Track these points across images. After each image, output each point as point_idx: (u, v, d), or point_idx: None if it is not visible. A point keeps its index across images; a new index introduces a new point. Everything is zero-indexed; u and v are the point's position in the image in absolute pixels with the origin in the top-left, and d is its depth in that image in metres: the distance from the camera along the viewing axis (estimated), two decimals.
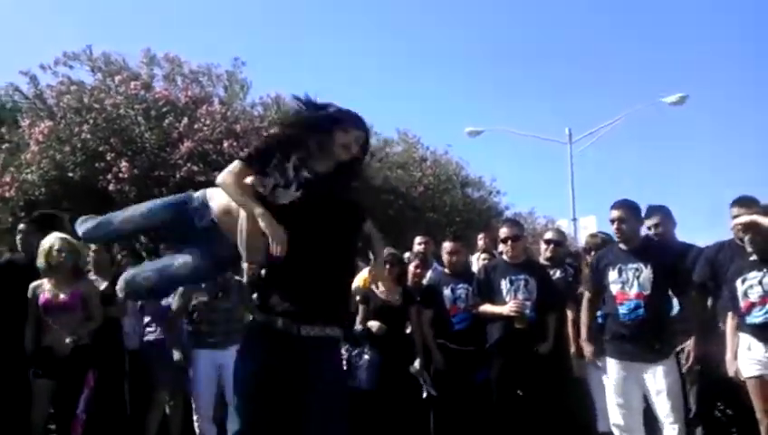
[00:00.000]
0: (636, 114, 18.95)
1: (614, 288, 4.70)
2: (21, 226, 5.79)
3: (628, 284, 4.64)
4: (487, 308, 5.43)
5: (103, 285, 5.63)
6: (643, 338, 4.54)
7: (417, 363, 5.70)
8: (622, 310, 4.64)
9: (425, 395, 5.73)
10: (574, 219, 18.42)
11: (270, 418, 2.81)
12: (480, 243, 7.33)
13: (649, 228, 5.28)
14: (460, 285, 5.77)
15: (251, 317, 2.91)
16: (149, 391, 5.72)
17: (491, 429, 5.53)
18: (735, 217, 4.61)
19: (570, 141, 18.81)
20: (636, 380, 4.60)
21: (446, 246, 6.06)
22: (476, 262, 6.57)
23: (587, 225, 17.48)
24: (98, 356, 5.22)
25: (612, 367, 4.69)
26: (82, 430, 4.89)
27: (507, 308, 5.23)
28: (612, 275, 4.72)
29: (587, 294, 4.97)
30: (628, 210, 4.76)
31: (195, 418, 5.60)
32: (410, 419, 5.78)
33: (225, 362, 5.19)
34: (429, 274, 6.45)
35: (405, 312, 5.85)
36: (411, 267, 6.31)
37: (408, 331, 5.87)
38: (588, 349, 4.89)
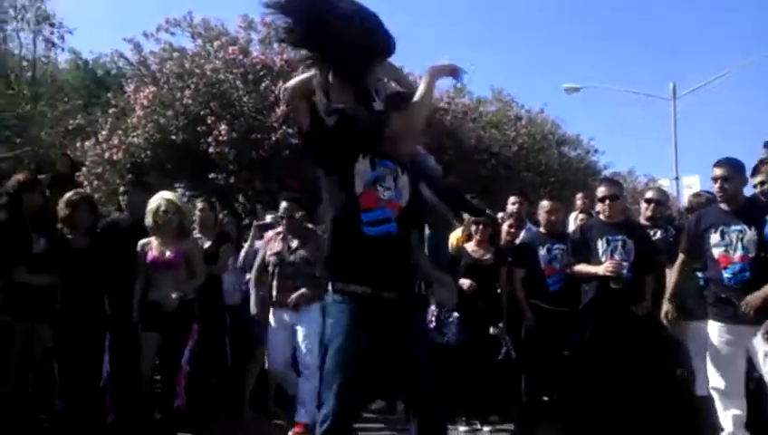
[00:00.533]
0: (745, 68, 17.85)
1: (716, 252, 4.49)
2: (122, 188, 6.10)
3: (732, 247, 4.43)
4: (582, 268, 5.30)
5: (207, 244, 5.86)
6: None
7: (500, 324, 5.67)
8: (726, 274, 4.43)
9: (501, 357, 5.69)
10: (677, 178, 17.67)
11: (363, 383, 2.83)
12: (578, 203, 7.15)
13: (755, 186, 4.99)
14: (556, 246, 5.66)
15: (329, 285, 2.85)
16: (249, 346, 5.95)
17: (583, 392, 5.47)
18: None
19: (673, 97, 17.96)
20: (741, 343, 4.41)
21: (544, 204, 5.95)
22: (573, 222, 6.43)
23: (690, 184, 16.73)
24: (201, 311, 5.46)
25: (715, 331, 4.51)
26: (186, 382, 5.15)
27: (603, 268, 5.09)
28: (714, 238, 4.51)
29: (681, 256, 4.75)
30: (732, 168, 4.50)
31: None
32: (499, 378, 5.80)
33: (299, 322, 5.32)
34: (523, 233, 6.36)
35: (496, 271, 5.82)
36: (505, 227, 6.26)
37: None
38: (666, 307, 4.73)
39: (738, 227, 4.43)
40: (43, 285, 4.82)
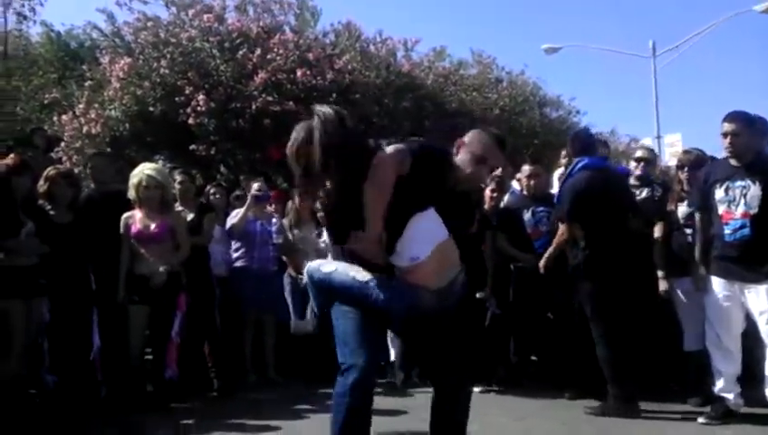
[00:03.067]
0: (725, 25, 17.86)
1: (720, 207, 4.49)
2: (89, 163, 6.09)
3: (735, 202, 4.43)
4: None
5: (190, 216, 5.84)
6: (748, 258, 4.36)
7: (486, 289, 5.69)
8: (727, 230, 4.44)
9: (488, 322, 5.74)
10: (659, 137, 17.75)
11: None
12: (563, 161, 7.13)
13: None
14: (540, 208, 5.71)
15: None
16: (240, 314, 5.98)
17: (572, 351, 5.55)
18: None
19: (653, 55, 17.98)
20: (739, 300, 4.47)
21: (525, 169, 5.97)
22: (557, 180, 6.43)
23: (672, 142, 16.83)
24: (189, 283, 5.46)
25: (716, 286, 4.54)
26: (177, 353, 5.16)
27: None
28: (719, 193, 4.50)
29: (697, 214, 4.75)
30: (741, 123, 4.46)
31: None
32: (487, 340, 5.86)
33: None
34: (507, 197, 6.37)
35: (480, 237, 5.83)
36: (487, 191, 6.25)
37: None
38: (702, 271, 4.66)
39: (743, 183, 4.41)
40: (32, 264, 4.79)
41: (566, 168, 6.63)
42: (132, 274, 5.10)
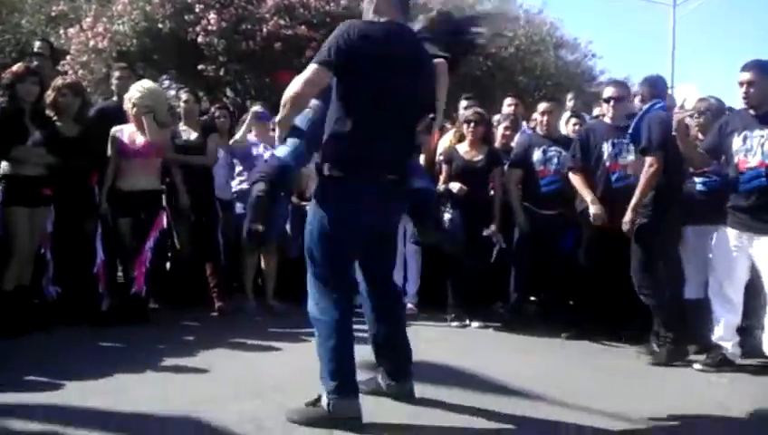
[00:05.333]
0: None
1: (737, 156, 4.40)
2: (117, 72, 5.97)
3: (752, 152, 4.33)
4: (577, 185, 5.25)
5: (193, 135, 5.79)
6: (761, 208, 4.29)
7: (492, 225, 5.67)
8: (742, 179, 4.37)
9: (493, 259, 5.73)
10: (671, 87, 17.46)
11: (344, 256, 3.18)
12: (569, 104, 7.01)
13: None
14: (552, 148, 5.61)
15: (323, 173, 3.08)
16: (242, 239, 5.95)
17: (575, 295, 5.56)
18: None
19: (674, 3, 17.55)
20: (746, 250, 4.43)
21: (543, 105, 5.86)
22: (564, 125, 6.32)
23: (686, 93, 16.55)
24: (193, 203, 5.55)
25: (725, 235, 4.50)
26: (146, 269, 5.12)
27: (593, 211, 5.07)
28: (736, 142, 4.41)
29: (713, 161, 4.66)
30: (760, 72, 4.34)
31: None
32: (489, 277, 5.88)
33: None
34: (518, 136, 6.28)
35: (488, 173, 5.78)
36: (501, 129, 6.18)
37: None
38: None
39: (762, 133, 4.32)
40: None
41: (571, 112, 6.53)
42: (118, 188, 5.14)
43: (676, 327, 4.70)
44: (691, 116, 4.97)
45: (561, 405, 3.52)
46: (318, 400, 3.09)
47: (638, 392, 3.93)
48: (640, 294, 4.76)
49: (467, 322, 5.61)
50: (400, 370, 3.43)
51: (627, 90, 5.54)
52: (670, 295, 4.81)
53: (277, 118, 3.19)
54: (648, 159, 4.72)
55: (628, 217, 4.72)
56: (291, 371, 3.82)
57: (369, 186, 3.05)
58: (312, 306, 3.15)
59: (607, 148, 5.16)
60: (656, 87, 5.02)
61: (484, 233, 5.61)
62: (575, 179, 5.29)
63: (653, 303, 4.75)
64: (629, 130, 4.92)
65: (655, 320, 4.77)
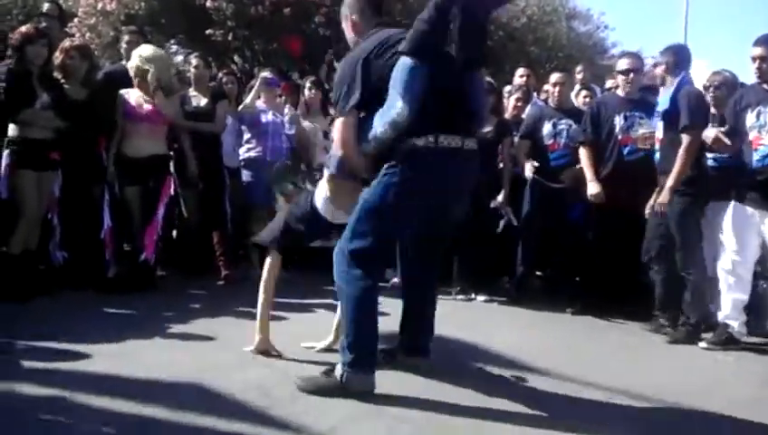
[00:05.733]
0: None
1: (751, 133, 4.34)
2: (126, 36, 5.90)
3: (765, 128, 4.28)
4: (585, 163, 5.20)
5: (203, 101, 5.74)
6: None
7: (500, 197, 5.64)
8: (756, 156, 4.31)
9: (500, 230, 5.71)
10: None
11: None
12: (578, 76, 6.91)
13: None
14: (563, 121, 5.55)
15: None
16: (249, 207, 5.94)
17: (581, 270, 5.54)
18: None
19: None
20: (758, 227, 4.40)
21: (555, 76, 5.79)
22: (574, 98, 6.25)
23: (697, 68, 16.37)
24: (200, 171, 5.52)
25: (737, 212, 4.47)
26: (157, 237, 5.14)
27: (592, 189, 5.03)
28: (750, 118, 4.35)
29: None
30: None
31: None
32: (496, 250, 5.85)
33: None
34: (528, 108, 6.21)
35: (497, 145, 5.73)
36: (512, 100, 6.11)
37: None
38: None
39: None
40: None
41: (581, 84, 6.43)
42: (124, 154, 5.10)
43: (701, 309, 4.63)
44: (706, 89, 4.91)
45: (567, 380, 3.52)
46: (332, 369, 3.09)
47: (643, 369, 3.94)
48: (687, 271, 4.60)
49: (473, 295, 5.60)
50: (420, 346, 3.47)
51: (641, 62, 5.46)
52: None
53: (343, 156, 3.17)
54: (687, 138, 4.52)
55: (665, 197, 4.58)
56: (296, 340, 3.82)
57: (455, 156, 3.06)
58: (339, 275, 3.11)
59: (619, 121, 5.11)
60: (680, 56, 4.87)
61: (492, 205, 5.59)
62: (583, 154, 5.24)
63: (695, 279, 4.60)
64: (661, 106, 4.76)
65: (685, 298, 4.63)
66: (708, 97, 4.87)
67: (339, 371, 3.04)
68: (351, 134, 3.08)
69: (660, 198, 4.63)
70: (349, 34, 3.37)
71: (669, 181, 4.57)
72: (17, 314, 4.18)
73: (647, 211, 4.84)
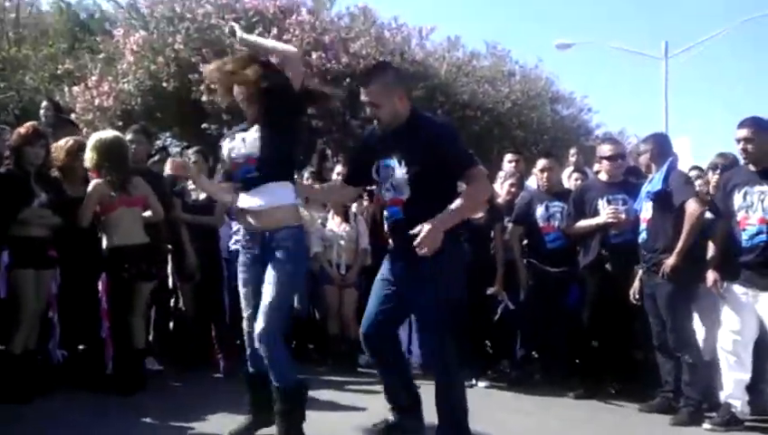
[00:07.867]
0: (741, 28, 17.73)
1: (739, 213, 4.47)
2: (129, 135, 5.88)
3: (752, 208, 4.40)
4: (583, 223, 5.30)
5: (202, 195, 5.81)
6: (764, 265, 4.34)
7: (496, 285, 5.66)
8: (744, 236, 4.43)
9: (497, 317, 5.70)
10: None
11: None
12: (572, 159, 7.09)
13: None
14: (555, 203, 5.66)
15: None
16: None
17: (580, 351, 5.54)
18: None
19: (666, 56, 17.83)
20: (753, 307, 4.45)
21: (541, 162, 5.92)
22: (566, 180, 6.40)
23: (680, 146, 16.71)
24: (199, 263, 5.54)
25: (733, 292, 4.54)
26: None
27: (604, 216, 5.13)
28: (737, 198, 4.48)
29: (720, 221, 4.70)
30: (756, 128, 4.43)
31: None
32: (494, 336, 5.85)
33: None
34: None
35: (490, 230, 5.79)
36: (506, 185, 6.17)
37: None
38: (711, 276, 4.59)
39: (762, 188, 4.38)
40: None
41: (575, 167, 6.62)
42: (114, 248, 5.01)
43: (701, 389, 4.65)
44: (712, 171, 5.09)
45: None
46: None
47: None
48: (680, 352, 4.68)
49: (474, 381, 5.57)
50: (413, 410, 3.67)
51: (623, 147, 5.64)
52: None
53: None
54: (694, 206, 4.62)
55: (672, 261, 4.62)
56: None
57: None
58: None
59: (602, 205, 5.22)
60: (663, 145, 5.08)
61: (488, 292, 5.61)
62: (573, 233, 5.37)
63: (690, 361, 4.65)
64: (652, 187, 4.87)
65: (684, 378, 4.67)
66: (712, 178, 5.10)
67: None
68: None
69: (670, 261, 4.64)
70: (399, 109, 3.56)
71: (679, 245, 4.61)
72: (20, 416, 4.12)
73: (631, 297, 4.95)
